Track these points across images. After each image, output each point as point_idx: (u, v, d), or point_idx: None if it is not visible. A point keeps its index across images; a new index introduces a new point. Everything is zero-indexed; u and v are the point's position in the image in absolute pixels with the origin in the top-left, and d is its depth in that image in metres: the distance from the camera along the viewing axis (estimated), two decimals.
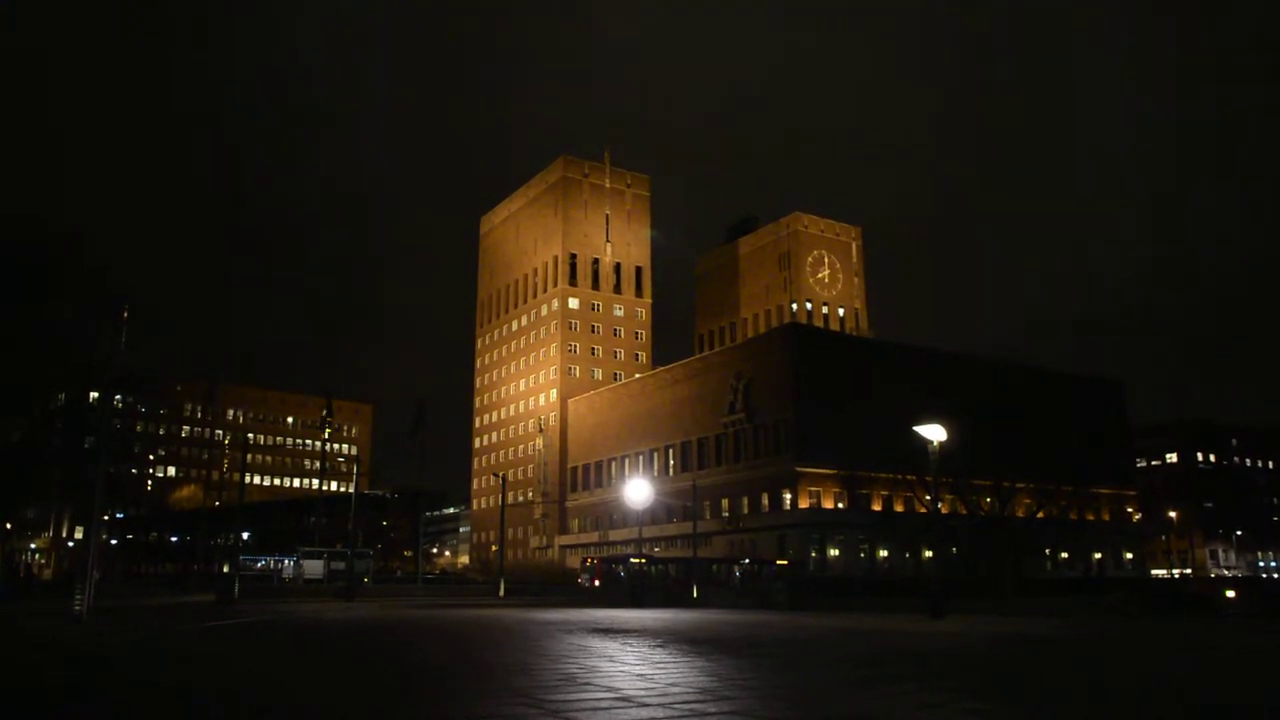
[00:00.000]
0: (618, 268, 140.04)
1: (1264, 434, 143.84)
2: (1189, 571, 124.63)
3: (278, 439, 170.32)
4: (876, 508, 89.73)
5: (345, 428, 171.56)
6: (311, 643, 18.90)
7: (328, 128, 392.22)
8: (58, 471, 58.10)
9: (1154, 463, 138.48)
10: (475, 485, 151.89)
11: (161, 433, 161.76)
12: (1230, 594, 75.42)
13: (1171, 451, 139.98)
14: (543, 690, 10.13)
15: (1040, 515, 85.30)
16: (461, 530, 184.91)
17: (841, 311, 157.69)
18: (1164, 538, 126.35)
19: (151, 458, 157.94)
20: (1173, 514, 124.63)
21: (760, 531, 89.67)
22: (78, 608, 22.48)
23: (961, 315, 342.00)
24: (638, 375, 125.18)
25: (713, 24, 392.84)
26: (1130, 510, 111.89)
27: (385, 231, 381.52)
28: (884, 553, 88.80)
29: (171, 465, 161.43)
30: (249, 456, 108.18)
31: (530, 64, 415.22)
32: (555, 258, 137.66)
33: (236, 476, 79.73)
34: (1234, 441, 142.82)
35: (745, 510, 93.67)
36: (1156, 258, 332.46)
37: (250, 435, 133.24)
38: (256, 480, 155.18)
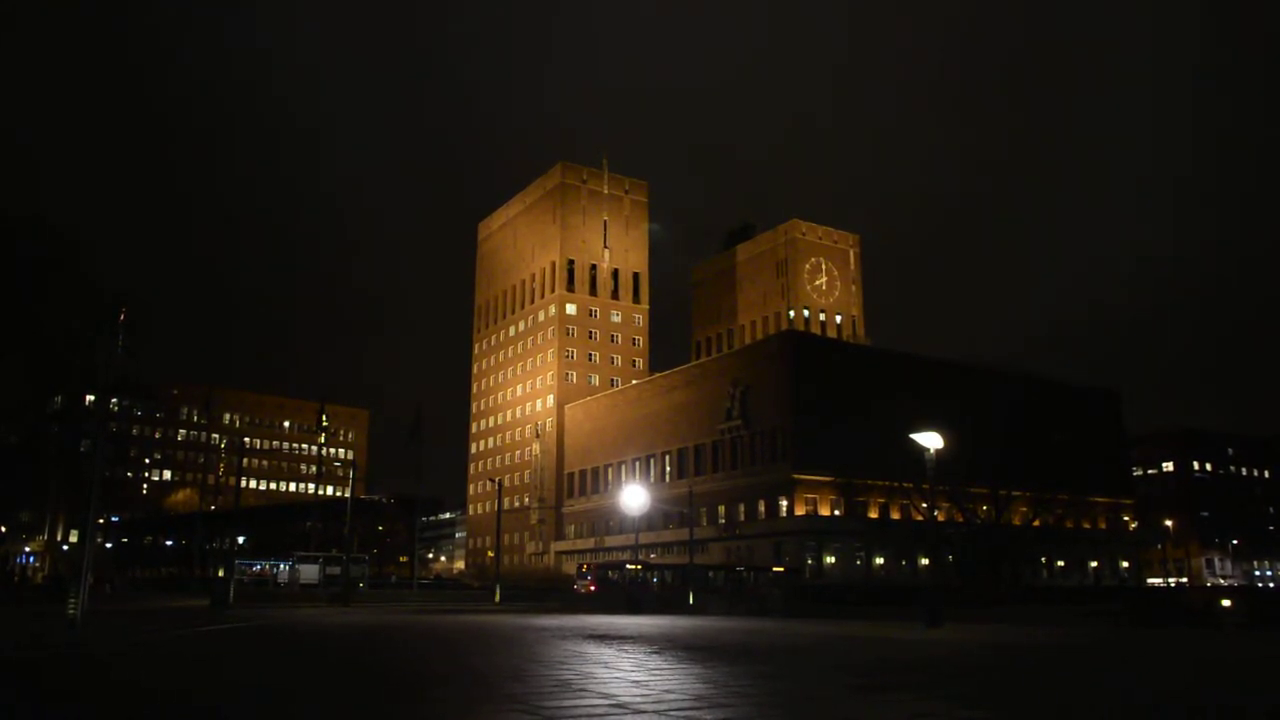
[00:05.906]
0: (615, 274, 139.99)
1: (1260, 443, 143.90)
2: (1185, 580, 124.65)
3: (274, 443, 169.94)
4: (873, 515, 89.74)
5: (341, 432, 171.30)
6: (305, 649, 18.86)
7: (325, 133, 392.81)
8: (54, 474, 58.15)
9: (1150, 472, 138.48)
10: (471, 491, 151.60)
11: (158, 436, 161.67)
12: (1226, 603, 75.31)
13: (1168, 460, 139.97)
14: (538, 697, 10.12)
15: (1036, 524, 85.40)
16: (457, 536, 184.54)
17: (839, 319, 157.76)
18: (1160, 547, 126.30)
19: (147, 461, 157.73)
20: (1169, 523, 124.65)
21: (757, 538, 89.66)
22: (72, 611, 22.37)
23: (958, 323, 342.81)
24: (635, 381, 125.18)
25: (715, 31, 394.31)
26: (1126, 519, 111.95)
27: (383, 237, 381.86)
28: (880, 560, 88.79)
29: (167, 469, 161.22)
30: (245, 461, 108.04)
31: (528, 71, 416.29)
32: (553, 263, 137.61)
33: (232, 480, 79.67)
34: (1230, 451, 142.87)
35: (742, 517, 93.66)
36: (1154, 267, 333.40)
37: (246, 439, 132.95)
38: (252, 484, 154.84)
